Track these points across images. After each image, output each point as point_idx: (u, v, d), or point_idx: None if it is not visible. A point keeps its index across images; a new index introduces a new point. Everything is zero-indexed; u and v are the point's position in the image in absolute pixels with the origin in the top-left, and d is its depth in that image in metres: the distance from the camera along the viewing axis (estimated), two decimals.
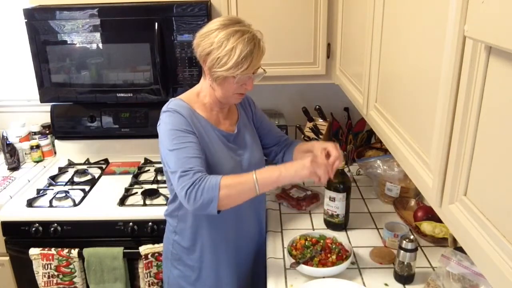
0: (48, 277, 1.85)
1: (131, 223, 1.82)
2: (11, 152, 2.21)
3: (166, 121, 1.32)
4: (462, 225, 0.73)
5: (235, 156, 1.42)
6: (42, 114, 2.39)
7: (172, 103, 1.36)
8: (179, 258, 1.49)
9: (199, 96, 1.41)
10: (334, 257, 1.41)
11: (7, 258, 1.91)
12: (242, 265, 1.54)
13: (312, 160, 1.24)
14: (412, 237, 1.33)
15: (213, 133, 1.39)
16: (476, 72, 0.68)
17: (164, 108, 1.37)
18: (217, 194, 1.21)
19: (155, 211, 1.81)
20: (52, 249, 1.82)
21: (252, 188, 1.24)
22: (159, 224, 1.80)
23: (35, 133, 2.37)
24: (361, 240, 1.58)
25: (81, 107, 2.26)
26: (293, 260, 1.39)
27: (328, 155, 1.33)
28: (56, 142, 2.36)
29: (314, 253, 1.44)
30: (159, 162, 2.07)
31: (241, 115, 1.52)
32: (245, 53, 1.24)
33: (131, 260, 1.86)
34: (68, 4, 1.97)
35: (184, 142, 1.29)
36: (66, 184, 2.07)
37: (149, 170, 2.20)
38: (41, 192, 1.99)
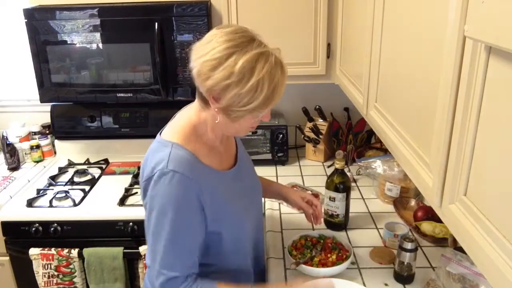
0: (48, 277, 1.85)
1: (131, 223, 1.82)
2: (11, 152, 2.21)
3: (165, 192, 1.00)
4: (462, 225, 0.73)
5: (242, 192, 1.23)
6: (42, 114, 2.39)
7: (174, 157, 1.02)
8: None
9: (197, 132, 1.10)
10: (334, 257, 1.41)
11: (7, 258, 1.91)
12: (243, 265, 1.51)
13: None
14: (412, 237, 1.33)
15: (220, 180, 1.13)
16: (476, 72, 0.68)
17: (159, 161, 1.02)
18: None
19: None
20: (52, 249, 1.82)
21: None
22: None
23: (35, 133, 2.37)
24: (361, 240, 1.58)
25: (81, 107, 2.26)
26: (293, 260, 1.39)
27: (309, 203, 1.42)
28: (56, 142, 2.36)
29: (314, 253, 1.44)
30: None
31: (238, 141, 1.32)
32: (274, 84, 0.96)
33: (131, 260, 1.86)
34: (68, 4, 1.97)
35: (183, 228, 1.03)
36: (66, 184, 2.07)
37: None
38: (41, 192, 1.99)
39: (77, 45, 1.99)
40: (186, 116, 1.13)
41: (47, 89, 2.07)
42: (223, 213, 1.12)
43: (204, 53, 0.96)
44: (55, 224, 1.82)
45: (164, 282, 1.03)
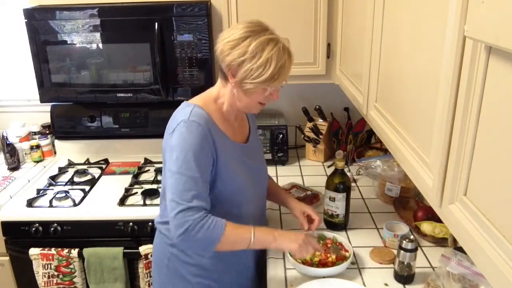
0: (48, 277, 1.85)
1: (131, 223, 1.82)
2: (11, 152, 2.21)
3: (185, 137, 1.19)
4: (462, 225, 0.74)
5: (248, 170, 1.38)
6: (42, 114, 2.39)
7: (194, 113, 1.23)
8: (176, 272, 1.38)
9: (217, 103, 1.32)
10: (334, 257, 1.42)
11: (7, 258, 1.91)
12: (247, 267, 1.51)
13: (305, 238, 1.30)
14: (412, 237, 1.33)
15: (230, 147, 1.31)
16: (476, 72, 0.68)
17: (182, 115, 1.24)
18: (215, 246, 1.18)
19: (155, 211, 1.80)
20: (52, 249, 1.82)
21: (245, 247, 1.25)
22: None
23: (35, 133, 2.37)
24: (361, 240, 1.58)
25: (81, 107, 2.26)
26: (293, 260, 1.38)
27: (308, 217, 1.50)
28: (56, 142, 2.36)
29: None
30: (159, 162, 2.07)
31: (252, 125, 1.49)
32: (280, 64, 1.19)
33: (131, 260, 1.86)
34: (68, 4, 1.97)
35: (198, 168, 1.18)
36: (66, 184, 2.07)
37: (149, 170, 2.20)
38: (41, 192, 1.99)
39: (77, 45, 1.99)
40: (208, 91, 1.35)
41: (47, 89, 2.07)
42: (227, 175, 1.27)
43: (226, 37, 1.22)
44: (55, 224, 1.82)
45: (181, 210, 1.15)
